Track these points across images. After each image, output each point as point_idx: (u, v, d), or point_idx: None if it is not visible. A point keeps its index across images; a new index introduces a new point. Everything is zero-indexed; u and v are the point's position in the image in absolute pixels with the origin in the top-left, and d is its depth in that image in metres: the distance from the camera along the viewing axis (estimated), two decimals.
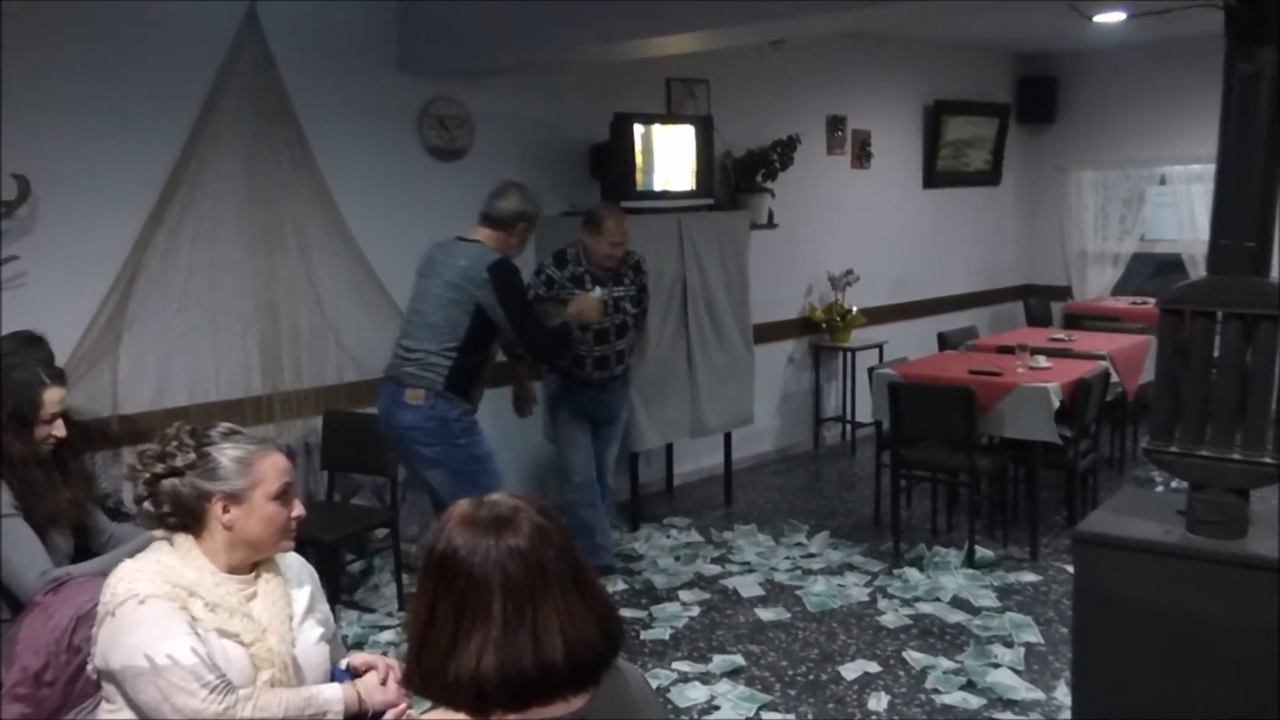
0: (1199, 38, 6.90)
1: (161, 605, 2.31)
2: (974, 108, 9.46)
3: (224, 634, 2.36)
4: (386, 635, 5.03)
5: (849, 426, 8.46)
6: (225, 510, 2.41)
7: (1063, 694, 4.37)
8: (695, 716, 4.36)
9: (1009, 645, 4.87)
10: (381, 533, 5.58)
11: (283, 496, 2.47)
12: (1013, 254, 10.31)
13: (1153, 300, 8.25)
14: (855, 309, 8.18)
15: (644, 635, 5.09)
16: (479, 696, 1.64)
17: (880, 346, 8.11)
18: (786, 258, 7.92)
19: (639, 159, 6.42)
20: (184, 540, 2.43)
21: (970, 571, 5.73)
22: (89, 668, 2.44)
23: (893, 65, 8.78)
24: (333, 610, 2.73)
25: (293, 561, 2.62)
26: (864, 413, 7.68)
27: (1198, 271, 8.79)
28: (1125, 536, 3.20)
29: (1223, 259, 3.13)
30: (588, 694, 1.69)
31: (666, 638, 5.06)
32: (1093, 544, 3.26)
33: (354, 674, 2.57)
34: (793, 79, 7.90)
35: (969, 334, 7.87)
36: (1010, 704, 4.38)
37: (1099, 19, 7.66)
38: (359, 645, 4.82)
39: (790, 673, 4.71)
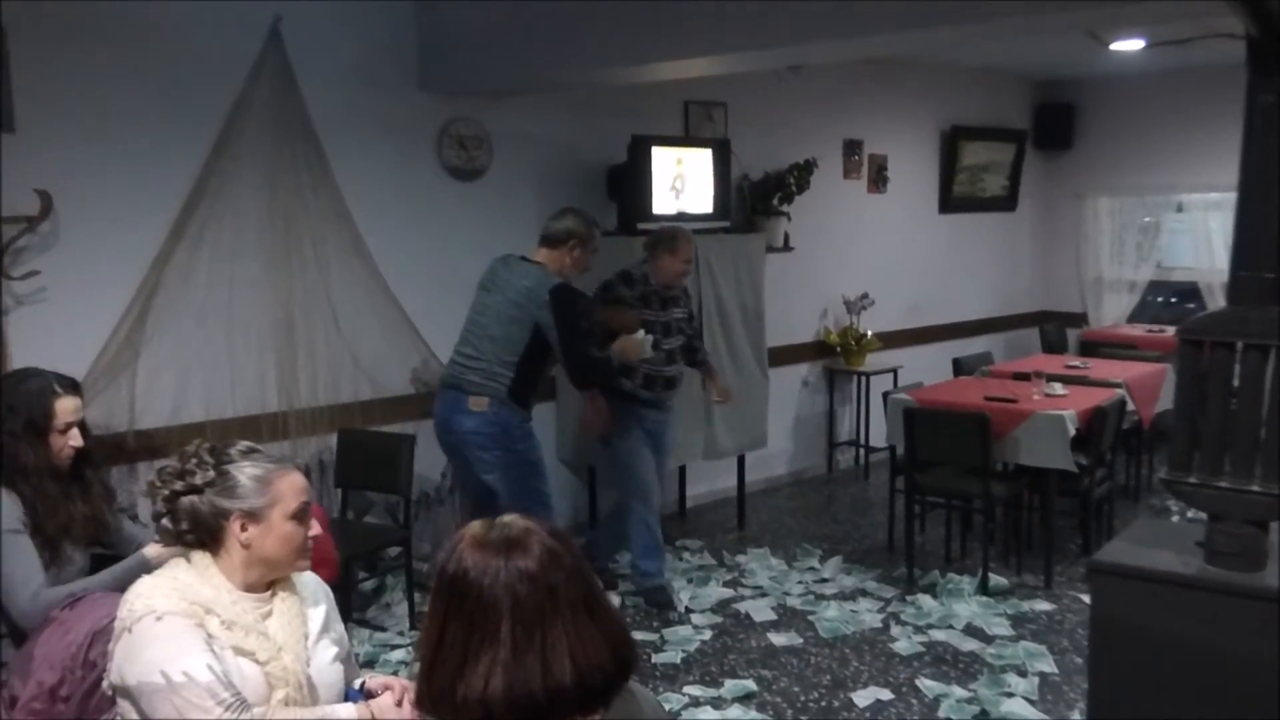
0: (1217, 66, 6.93)
1: (178, 622, 2.32)
2: (991, 133, 9.46)
3: (240, 652, 2.36)
4: (398, 654, 5.02)
5: (863, 451, 8.45)
6: (243, 528, 2.41)
7: None
8: None
9: (1023, 674, 4.84)
10: (394, 551, 5.57)
11: (300, 516, 2.48)
12: (1029, 280, 10.30)
13: (1169, 328, 8.24)
14: (870, 333, 8.18)
15: (655, 658, 5.07)
16: (487, 718, 1.64)
17: (895, 371, 8.11)
18: (802, 281, 7.93)
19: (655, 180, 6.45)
20: (201, 558, 2.44)
21: (984, 599, 5.70)
22: (104, 683, 2.45)
23: (910, 90, 8.79)
24: (345, 629, 2.73)
25: (308, 580, 2.62)
26: (878, 437, 7.66)
27: (1214, 299, 8.78)
28: (1143, 567, 3.18)
29: (1242, 290, 3.12)
30: (597, 716, 1.69)
31: (678, 661, 5.05)
32: (1110, 574, 3.24)
33: (368, 695, 2.57)
34: (810, 103, 7.92)
35: (984, 359, 7.85)
36: None
37: (1117, 47, 7.68)
38: (370, 664, 4.82)
39: (802, 699, 4.70)
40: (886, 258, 8.67)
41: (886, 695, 4.70)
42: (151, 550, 3.09)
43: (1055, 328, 9.66)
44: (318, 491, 5.52)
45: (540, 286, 4.92)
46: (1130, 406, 6.63)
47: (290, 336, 5.47)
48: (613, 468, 5.90)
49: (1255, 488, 3.06)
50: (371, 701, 2.52)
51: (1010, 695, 4.65)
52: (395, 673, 4.31)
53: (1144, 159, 9.48)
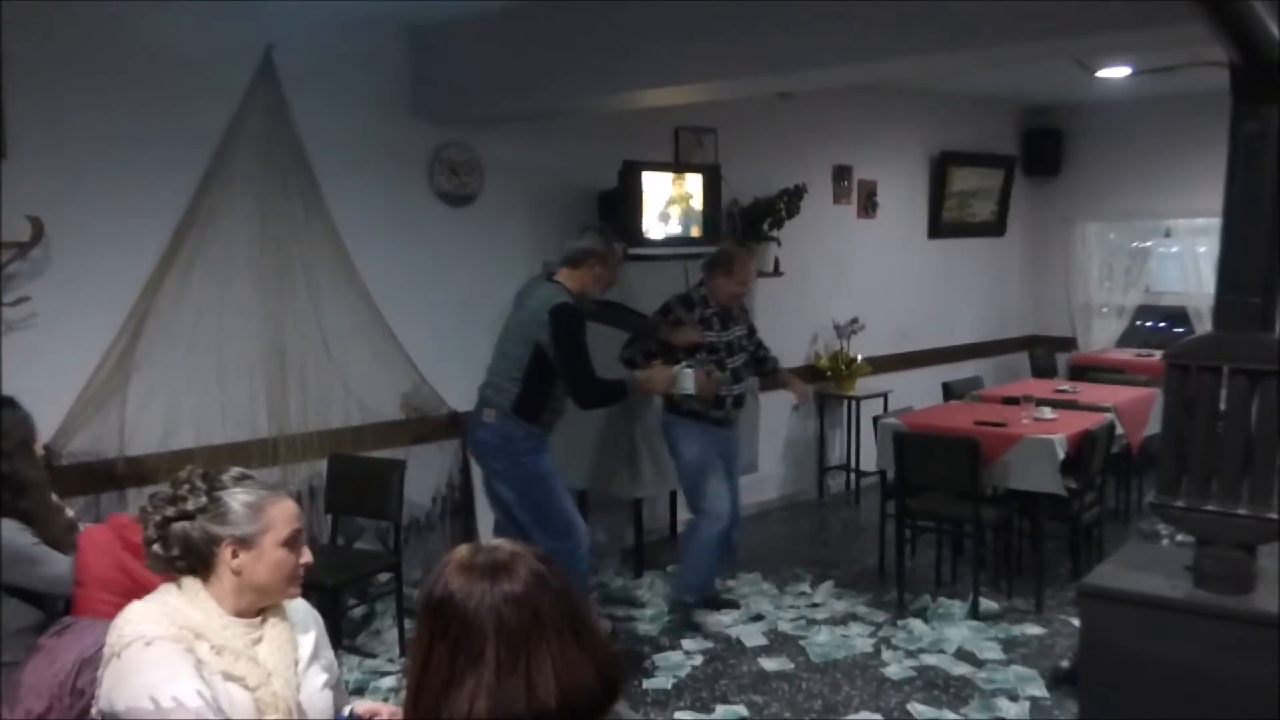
0: (1203, 93, 6.96)
1: (167, 647, 2.31)
2: (980, 159, 9.51)
3: (229, 677, 2.35)
4: (388, 681, 5.00)
5: (853, 475, 8.45)
6: (235, 555, 2.41)
7: None
8: None
9: (1014, 699, 4.84)
10: (384, 577, 5.57)
11: (292, 543, 2.48)
12: (1018, 305, 10.33)
13: (1158, 353, 8.26)
14: (860, 358, 8.20)
15: (646, 684, 5.06)
16: None
17: (885, 396, 8.12)
18: (792, 306, 7.94)
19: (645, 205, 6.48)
20: (191, 583, 2.43)
21: (975, 623, 5.70)
22: (93, 711, 2.43)
23: (899, 117, 8.84)
24: (335, 655, 2.73)
25: (298, 606, 2.61)
26: (869, 462, 7.67)
27: (1203, 324, 8.82)
28: (1132, 591, 3.20)
29: (1228, 314, 3.15)
30: None
31: (669, 687, 5.04)
32: (1099, 598, 3.26)
33: None
34: (800, 129, 7.96)
35: (974, 384, 7.87)
36: None
37: (1103, 74, 7.74)
38: (360, 691, 4.80)
39: None
40: (876, 283, 8.70)
41: None
42: None
43: (1044, 352, 9.68)
44: (308, 518, 5.51)
45: (543, 306, 4.94)
46: (1119, 431, 6.64)
47: (281, 362, 5.48)
48: (682, 485, 5.94)
49: (1243, 511, 3.08)
50: None
51: None
52: (385, 699, 4.29)
53: (1132, 184, 9.53)
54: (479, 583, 1.69)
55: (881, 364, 8.51)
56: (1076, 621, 3.60)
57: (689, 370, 5.37)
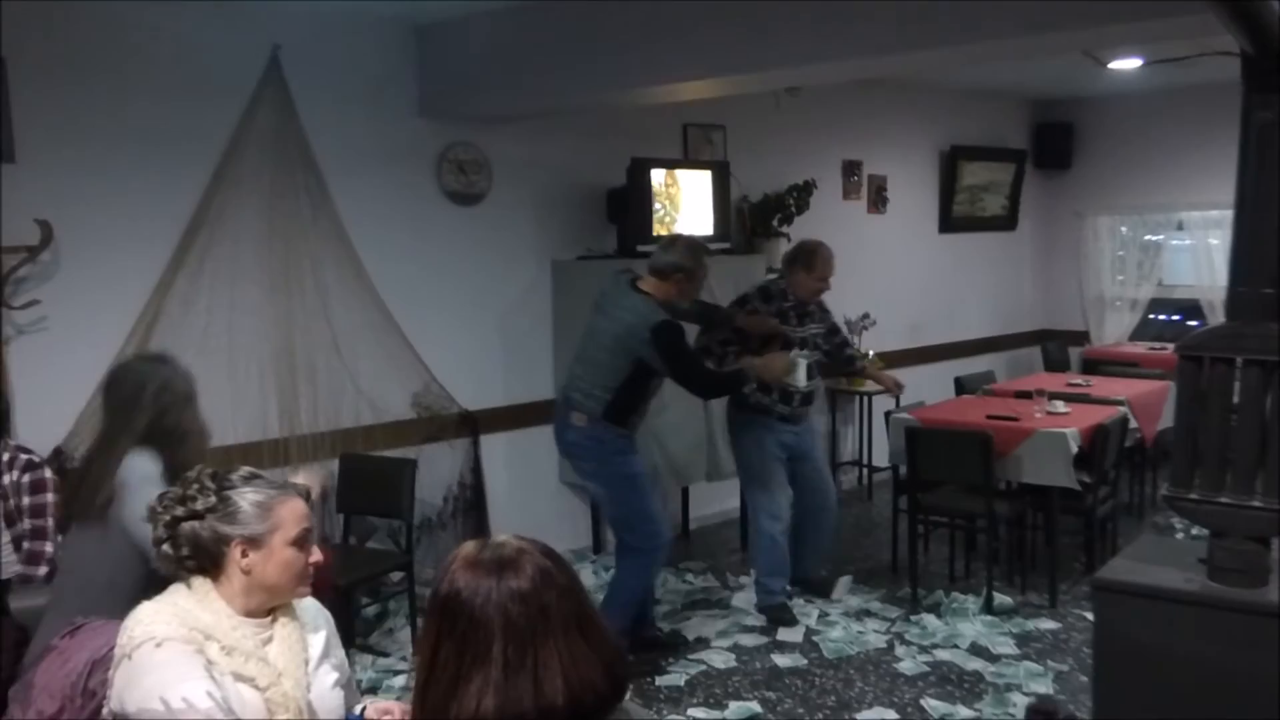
0: (1215, 84, 6.94)
1: (178, 648, 2.31)
2: (990, 153, 9.48)
3: (240, 678, 2.35)
4: (400, 680, 5.01)
5: (866, 471, 8.43)
6: (244, 554, 2.41)
7: None
8: None
9: (1028, 694, 4.83)
10: (397, 576, 5.57)
11: (301, 542, 2.47)
12: (1030, 299, 10.30)
13: (1171, 345, 8.23)
14: (872, 353, 8.14)
15: (659, 681, 5.06)
16: None
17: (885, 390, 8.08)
18: None
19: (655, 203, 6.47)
20: (201, 584, 2.43)
21: (989, 618, 5.69)
22: (104, 711, 2.43)
23: (909, 111, 8.82)
24: (347, 655, 2.72)
25: (309, 606, 2.61)
26: (881, 457, 7.65)
27: (1216, 316, 8.78)
28: (1145, 584, 3.18)
29: (1241, 305, 3.12)
30: None
31: (682, 684, 5.03)
32: (1113, 591, 3.23)
33: None
34: (809, 124, 7.94)
35: (986, 378, 7.85)
36: None
37: (1114, 66, 7.70)
38: (373, 690, 4.80)
39: None
40: (887, 278, 8.68)
41: (891, 716, 4.68)
42: None
43: (1057, 346, 9.65)
44: (319, 518, 5.51)
45: (641, 324, 4.94)
46: (1133, 424, 6.62)
47: (291, 362, 5.48)
48: (742, 480, 6.00)
49: (1257, 503, 3.05)
50: None
51: (1015, 716, 4.63)
52: (398, 698, 4.29)
53: (1144, 177, 9.50)
54: (485, 579, 1.69)
55: (893, 359, 8.46)
56: (1091, 616, 3.59)
57: (803, 360, 5.46)
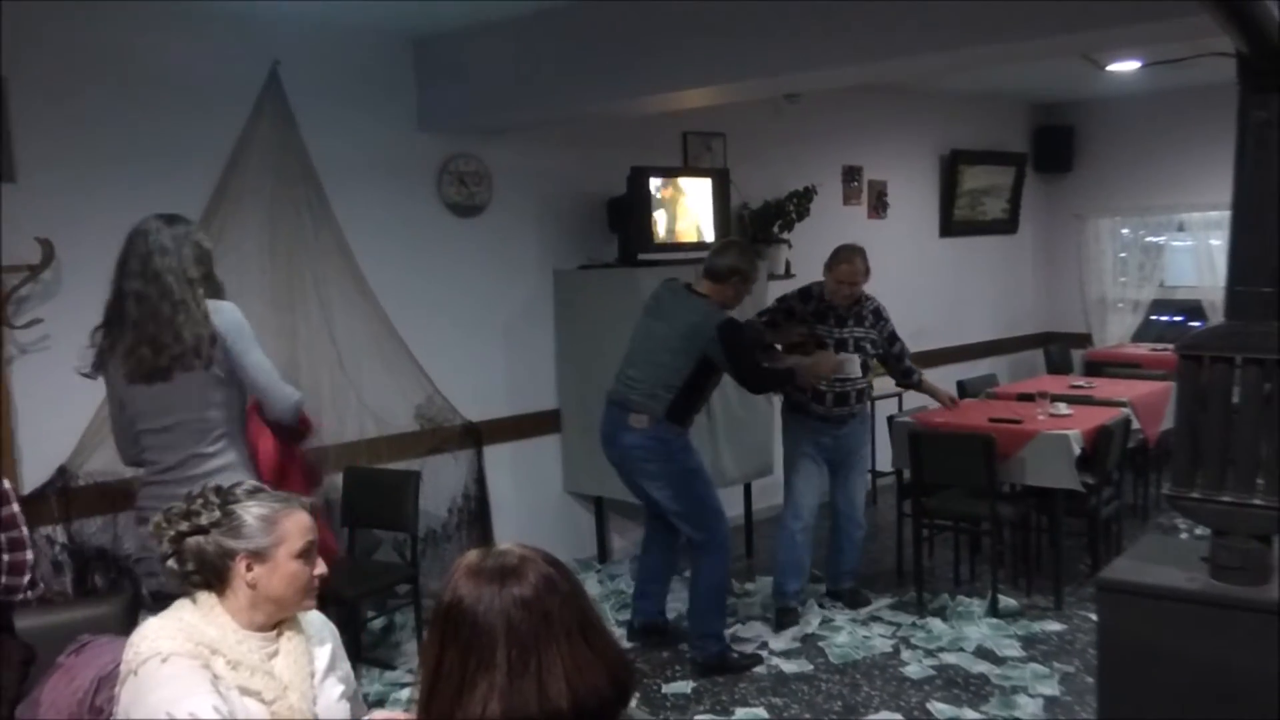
0: (1213, 85, 6.94)
1: (184, 663, 2.32)
2: (990, 157, 9.50)
3: (246, 692, 2.36)
4: (406, 693, 5.01)
5: (870, 476, 8.41)
6: (249, 568, 2.42)
7: None
8: None
9: (1034, 696, 4.83)
10: (403, 589, 5.57)
11: (306, 555, 2.49)
12: (1031, 302, 10.31)
13: (1173, 347, 8.23)
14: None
15: (665, 689, 5.06)
16: None
17: (900, 395, 8.09)
18: None
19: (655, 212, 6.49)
20: (206, 598, 2.44)
21: (994, 621, 5.69)
22: None
23: (908, 116, 8.83)
24: (353, 668, 2.73)
25: (314, 619, 2.62)
26: (884, 462, 7.65)
27: (1218, 317, 8.74)
28: (1148, 584, 3.18)
29: (1240, 304, 3.13)
30: None
31: (689, 691, 5.03)
32: (1116, 591, 3.24)
33: None
34: (808, 130, 7.96)
35: (989, 382, 7.85)
36: None
37: (1113, 68, 7.71)
38: (380, 703, 4.81)
39: None
40: (889, 282, 8.62)
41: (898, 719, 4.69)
42: None
43: (1059, 349, 9.65)
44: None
45: (707, 322, 5.07)
46: (1136, 425, 6.62)
47: (294, 376, 5.47)
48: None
49: (1258, 501, 3.06)
50: None
51: (1021, 718, 4.63)
52: (405, 710, 4.30)
53: (1144, 179, 9.51)
54: (489, 587, 1.70)
55: None
56: (1095, 617, 3.59)
57: (855, 355, 5.65)
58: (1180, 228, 9.54)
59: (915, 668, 5.18)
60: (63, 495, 4.75)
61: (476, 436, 6.21)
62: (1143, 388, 7.25)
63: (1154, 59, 7.32)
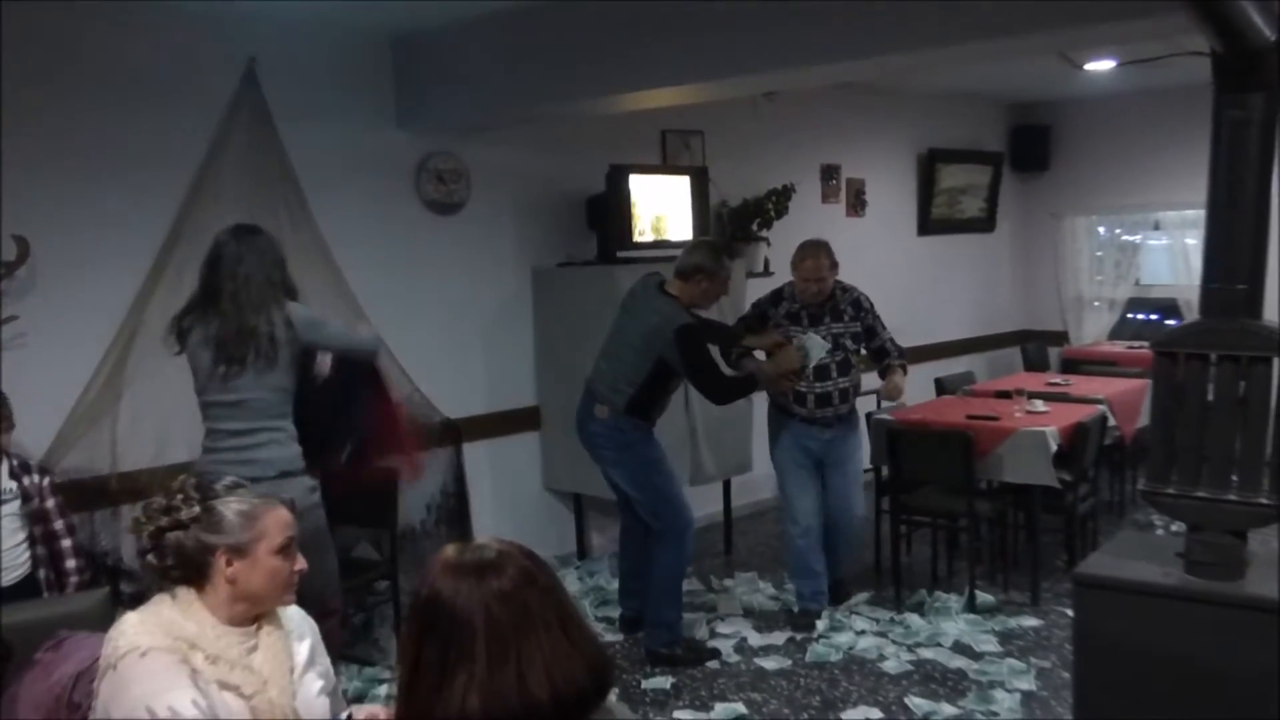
0: (1189, 85, 6.99)
1: (163, 658, 2.32)
2: (967, 156, 9.54)
3: (225, 686, 2.36)
4: (385, 688, 5.01)
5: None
6: (228, 564, 2.42)
7: None
8: None
9: (1010, 690, 4.86)
10: (381, 586, 5.56)
11: (285, 551, 2.49)
12: (1009, 300, 10.36)
13: (1149, 344, 8.28)
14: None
15: (645, 684, 5.07)
16: None
17: (877, 392, 8.10)
18: None
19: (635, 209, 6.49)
20: (185, 593, 2.44)
21: (972, 617, 5.71)
22: None
23: (886, 115, 8.86)
24: (332, 664, 2.73)
25: (293, 614, 2.62)
26: (863, 459, 7.67)
27: (1193, 315, 8.80)
28: (1123, 578, 3.21)
29: (1214, 302, 3.16)
30: None
31: (668, 687, 5.04)
32: (1091, 586, 3.27)
33: None
34: (786, 129, 7.97)
35: (966, 379, 7.88)
36: None
37: (1089, 68, 7.76)
38: (359, 699, 4.80)
39: None
40: (867, 280, 8.57)
41: (876, 715, 4.70)
42: None
43: (1036, 346, 9.71)
44: (303, 530, 5.49)
45: (666, 326, 5.06)
46: (1112, 422, 6.66)
47: None
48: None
49: (1232, 497, 3.09)
50: None
51: (996, 714, 4.65)
52: (385, 705, 4.29)
53: (1120, 178, 9.56)
54: (467, 581, 1.71)
55: None
56: (1072, 612, 3.63)
57: (812, 336, 5.47)
58: (1156, 226, 9.61)
59: (893, 663, 5.20)
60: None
61: (455, 434, 6.20)
62: (1119, 385, 7.30)
63: (1130, 58, 7.37)
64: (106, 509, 4.95)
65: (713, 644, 5.48)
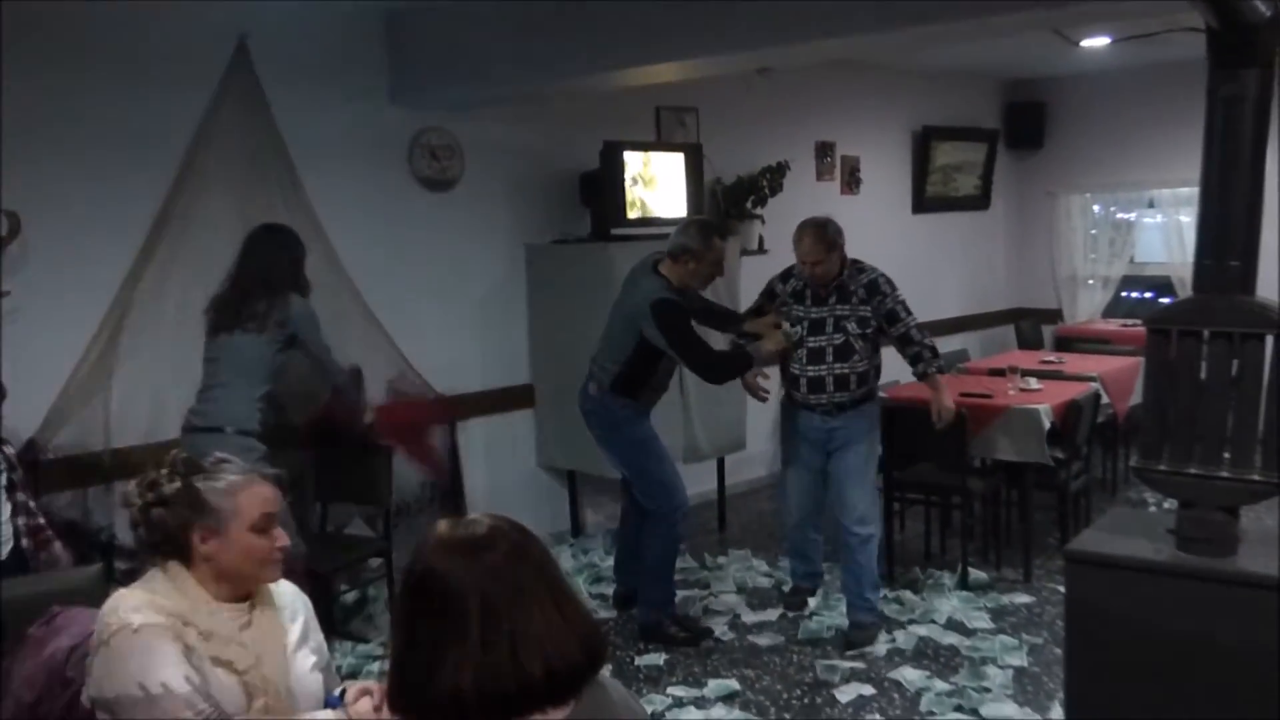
0: (1184, 61, 6.95)
1: (155, 634, 2.32)
2: (962, 133, 9.52)
3: (217, 662, 2.36)
4: (379, 665, 5.01)
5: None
6: (204, 540, 2.41)
7: (1057, 714, 4.38)
8: None
9: (1003, 666, 4.88)
10: (375, 562, 5.57)
11: (263, 527, 2.47)
12: (1003, 277, 10.35)
13: (1142, 320, 8.29)
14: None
15: (639, 660, 5.08)
16: (459, 713, 1.65)
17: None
18: None
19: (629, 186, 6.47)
20: (178, 569, 2.43)
21: (964, 593, 5.73)
22: (82, 698, 2.44)
23: (881, 92, 8.84)
24: (326, 641, 2.73)
25: (287, 591, 2.62)
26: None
27: (1187, 293, 8.82)
28: (1115, 555, 3.21)
29: (1207, 278, 3.16)
30: (568, 706, 1.71)
31: (661, 663, 5.06)
32: (1083, 563, 3.27)
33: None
34: (781, 106, 7.95)
35: (960, 357, 7.89)
36: None
37: (1085, 44, 7.75)
38: (353, 675, 4.81)
39: (785, 696, 4.71)
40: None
41: (869, 691, 4.72)
42: None
43: (1030, 324, 9.71)
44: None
45: (645, 301, 5.04)
46: (1105, 400, 6.67)
47: None
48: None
49: (1224, 473, 3.09)
50: (350, 706, 2.52)
51: (988, 690, 4.67)
52: (379, 681, 4.31)
53: (1115, 156, 9.55)
54: (459, 557, 1.71)
55: None
56: (1064, 589, 3.64)
57: (795, 329, 5.36)
58: (1150, 204, 9.61)
59: (886, 639, 5.22)
60: (32, 469, 4.71)
61: (449, 411, 6.20)
62: (1112, 363, 7.30)
63: (1125, 34, 7.35)
64: (100, 485, 4.94)
65: (706, 623, 5.48)
